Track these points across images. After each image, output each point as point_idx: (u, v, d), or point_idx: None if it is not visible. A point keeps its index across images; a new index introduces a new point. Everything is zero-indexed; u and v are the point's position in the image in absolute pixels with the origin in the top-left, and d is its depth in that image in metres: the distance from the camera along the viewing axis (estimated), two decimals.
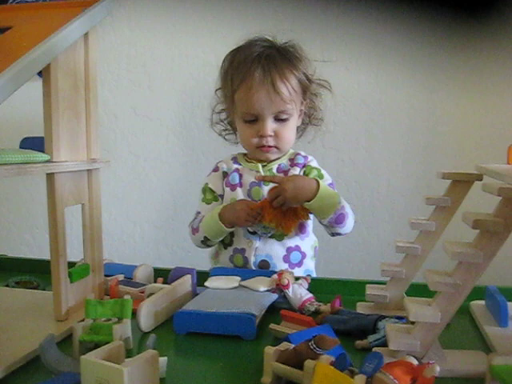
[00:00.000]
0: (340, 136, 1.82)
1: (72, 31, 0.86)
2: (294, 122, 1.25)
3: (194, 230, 1.26)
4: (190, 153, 1.93)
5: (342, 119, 1.81)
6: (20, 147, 0.86)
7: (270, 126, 1.21)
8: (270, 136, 1.22)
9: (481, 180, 0.82)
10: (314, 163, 1.28)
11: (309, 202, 1.12)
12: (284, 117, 1.21)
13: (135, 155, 1.97)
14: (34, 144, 0.85)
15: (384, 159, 1.83)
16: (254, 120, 1.22)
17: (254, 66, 1.18)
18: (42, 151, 0.83)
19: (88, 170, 0.95)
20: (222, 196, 1.28)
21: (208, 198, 1.29)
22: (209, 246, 1.29)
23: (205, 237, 1.24)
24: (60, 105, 0.85)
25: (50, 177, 0.84)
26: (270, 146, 1.23)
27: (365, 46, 1.79)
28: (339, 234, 1.21)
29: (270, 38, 1.26)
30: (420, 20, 1.75)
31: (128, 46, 1.93)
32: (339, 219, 1.16)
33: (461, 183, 0.85)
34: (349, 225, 1.19)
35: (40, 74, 0.81)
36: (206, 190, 1.30)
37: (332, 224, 1.17)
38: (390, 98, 1.81)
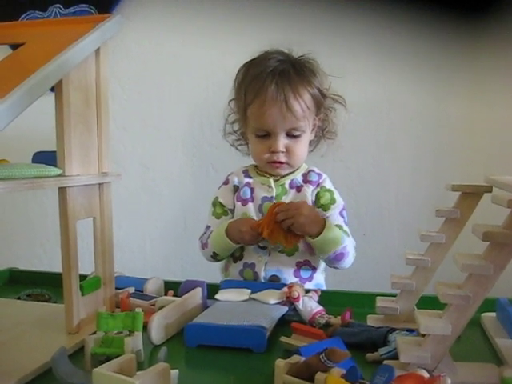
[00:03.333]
0: (348, 148, 1.82)
1: (84, 47, 0.87)
2: (307, 137, 1.24)
3: (204, 245, 1.26)
4: (199, 165, 1.94)
5: (350, 131, 1.81)
6: (32, 161, 0.87)
7: (282, 141, 1.21)
8: (282, 152, 1.21)
9: (490, 192, 0.82)
10: (327, 183, 1.27)
11: (312, 237, 1.14)
12: (296, 133, 1.21)
13: (145, 168, 1.98)
14: (45, 158, 0.86)
15: (392, 171, 1.83)
16: (266, 135, 1.22)
17: (268, 82, 1.17)
18: (54, 165, 0.84)
19: (99, 184, 0.96)
20: (232, 210, 1.28)
21: (218, 213, 1.29)
22: (219, 260, 1.29)
23: (214, 252, 1.24)
24: (72, 119, 0.86)
25: (63, 191, 0.85)
26: (281, 162, 1.23)
27: (372, 57, 1.80)
28: (336, 268, 1.22)
29: (285, 51, 1.25)
30: (428, 31, 1.76)
31: (137, 60, 1.95)
32: (338, 257, 1.17)
33: (470, 195, 0.85)
34: (347, 262, 1.20)
35: (52, 88, 0.82)
36: (216, 203, 1.30)
37: (330, 260, 1.18)
38: (398, 109, 1.81)
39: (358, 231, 1.84)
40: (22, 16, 1.96)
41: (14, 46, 0.94)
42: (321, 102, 1.24)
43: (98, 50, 0.94)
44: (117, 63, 1.93)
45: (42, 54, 0.83)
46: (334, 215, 1.23)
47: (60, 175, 0.84)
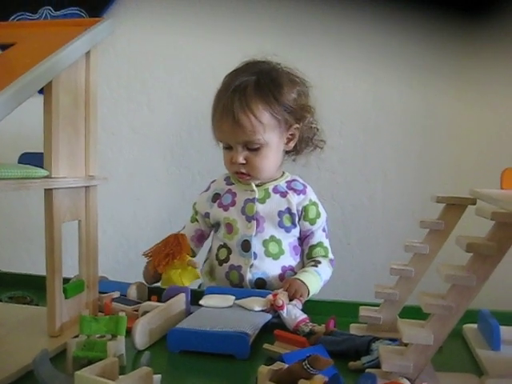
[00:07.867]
0: (335, 158, 1.84)
1: (74, 50, 0.87)
2: (270, 150, 1.23)
3: None
4: (185, 172, 1.94)
5: (337, 142, 1.82)
6: (18, 162, 0.87)
7: (241, 154, 1.22)
8: (242, 164, 1.22)
9: (474, 204, 0.83)
10: (313, 195, 1.28)
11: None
12: (254, 146, 1.21)
13: (131, 173, 1.98)
14: (32, 159, 0.85)
15: (379, 182, 1.84)
16: (229, 147, 1.24)
17: (223, 97, 1.21)
18: (41, 167, 0.83)
19: (86, 187, 0.95)
20: (204, 216, 1.30)
21: (193, 217, 1.34)
22: None
23: None
24: (60, 121, 0.86)
25: (49, 192, 0.84)
26: (243, 173, 1.24)
27: (361, 67, 1.81)
28: None
29: (263, 62, 1.26)
30: (418, 42, 1.77)
31: (127, 64, 1.95)
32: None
33: (454, 207, 0.86)
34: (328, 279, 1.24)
35: (40, 90, 0.81)
36: (193, 207, 1.34)
37: None
38: (386, 120, 1.82)
39: (344, 241, 1.86)
40: (12, 17, 1.95)
41: (4, 47, 0.93)
42: (289, 115, 1.22)
43: (88, 53, 0.94)
44: (106, 66, 1.92)
45: (32, 55, 0.83)
46: (319, 231, 1.27)
47: (46, 177, 0.83)
